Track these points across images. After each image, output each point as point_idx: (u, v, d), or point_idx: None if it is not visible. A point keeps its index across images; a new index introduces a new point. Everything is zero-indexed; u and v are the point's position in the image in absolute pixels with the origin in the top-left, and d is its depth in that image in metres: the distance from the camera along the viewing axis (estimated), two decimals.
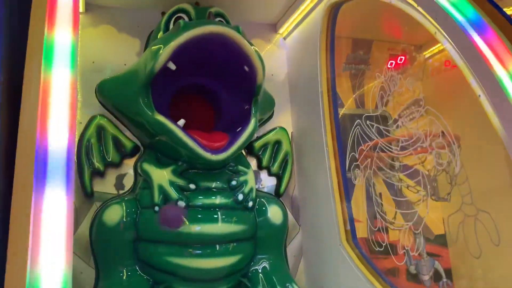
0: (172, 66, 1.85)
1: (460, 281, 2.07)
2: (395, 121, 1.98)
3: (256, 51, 1.93)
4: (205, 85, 2.23)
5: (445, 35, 1.43)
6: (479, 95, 1.28)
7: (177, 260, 1.90)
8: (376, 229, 2.04)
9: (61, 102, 1.37)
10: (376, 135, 2.04)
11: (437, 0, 1.48)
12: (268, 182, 2.54)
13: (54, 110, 1.35)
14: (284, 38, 2.81)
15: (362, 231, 2.16)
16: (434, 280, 1.94)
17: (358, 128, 2.14)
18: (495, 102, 1.19)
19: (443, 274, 1.96)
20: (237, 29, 1.86)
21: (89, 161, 2.10)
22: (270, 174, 2.53)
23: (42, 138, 1.27)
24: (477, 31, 1.37)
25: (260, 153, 2.50)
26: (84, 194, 2.11)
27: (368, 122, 2.09)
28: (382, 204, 2.09)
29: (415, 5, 1.60)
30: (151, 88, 1.90)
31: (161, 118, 1.88)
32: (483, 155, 1.71)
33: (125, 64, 2.28)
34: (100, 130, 2.14)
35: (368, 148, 2.09)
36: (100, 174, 2.14)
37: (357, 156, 2.15)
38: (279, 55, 2.77)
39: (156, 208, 1.91)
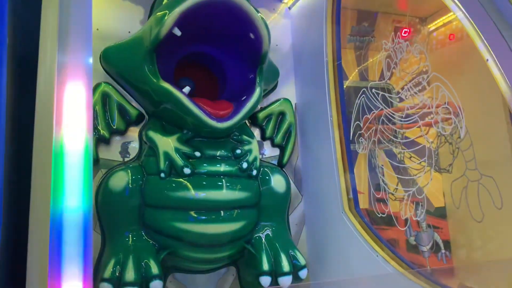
0: (178, 32, 1.84)
1: (458, 251, 2.11)
2: (400, 91, 1.98)
3: (262, 18, 1.92)
4: (210, 53, 2.22)
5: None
6: (487, 59, 1.28)
7: (182, 225, 1.93)
8: (378, 197, 2.07)
9: None
10: (382, 104, 2.04)
11: None
12: (271, 153, 2.56)
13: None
14: (289, 8, 2.77)
15: (363, 202, 2.18)
16: (433, 251, 1.98)
17: (363, 96, 2.15)
18: (503, 65, 1.19)
19: (442, 246, 1.99)
20: None
21: (94, 128, 2.11)
22: (273, 144, 2.54)
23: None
24: None
25: (263, 123, 2.50)
26: None
27: (374, 91, 2.09)
28: (384, 174, 2.11)
29: None
30: (156, 55, 1.89)
31: (166, 85, 1.88)
32: (485, 124, 1.72)
33: (129, 32, 2.25)
34: (105, 97, 2.13)
35: (373, 117, 2.10)
36: (106, 141, 2.14)
37: (361, 125, 2.15)
38: (284, 25, 2.73)
39: (162, 175, 1.94)
